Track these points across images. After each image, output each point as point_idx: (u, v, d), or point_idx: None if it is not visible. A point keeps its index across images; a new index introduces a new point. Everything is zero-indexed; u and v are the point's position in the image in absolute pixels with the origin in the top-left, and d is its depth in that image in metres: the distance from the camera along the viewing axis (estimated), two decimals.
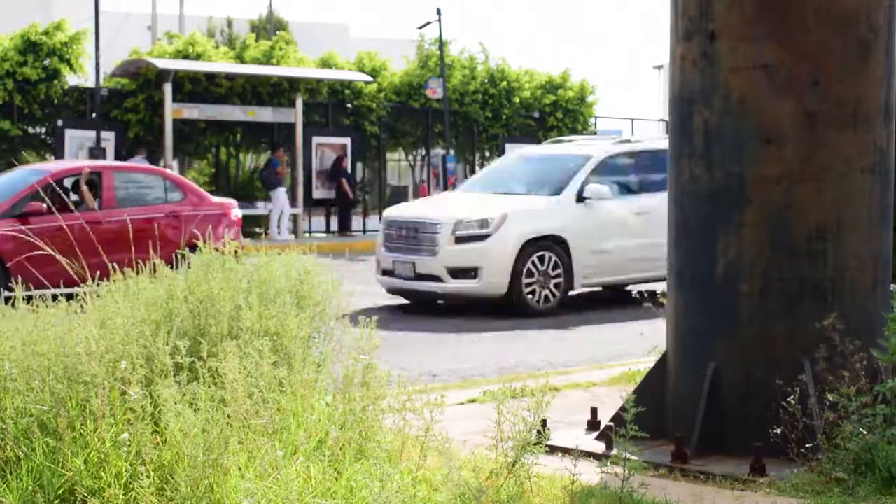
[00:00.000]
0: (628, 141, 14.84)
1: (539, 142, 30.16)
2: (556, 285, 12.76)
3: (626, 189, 13.89)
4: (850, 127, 5.65)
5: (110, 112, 23.57)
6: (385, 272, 13.19)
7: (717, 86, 5.73)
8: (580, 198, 13.15)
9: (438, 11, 28.32)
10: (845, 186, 5.67)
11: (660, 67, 68.72)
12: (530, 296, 12.56)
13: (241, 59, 26.48)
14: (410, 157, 31.83)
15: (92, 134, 22.10)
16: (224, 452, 4.20)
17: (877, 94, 5.73)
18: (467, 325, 11.83)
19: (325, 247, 18.15)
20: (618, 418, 5.63)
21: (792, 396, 5.25)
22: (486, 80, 30.19)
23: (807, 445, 5.22)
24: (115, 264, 6.26)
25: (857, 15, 5.65)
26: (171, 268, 6.29)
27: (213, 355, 5.01)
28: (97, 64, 22.87)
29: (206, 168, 26.56)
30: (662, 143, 14.48)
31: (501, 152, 28.84)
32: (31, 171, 13.96)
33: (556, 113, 31.25)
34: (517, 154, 15.65)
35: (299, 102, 24.96)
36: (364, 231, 26.31)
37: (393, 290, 13.34)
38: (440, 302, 13.15)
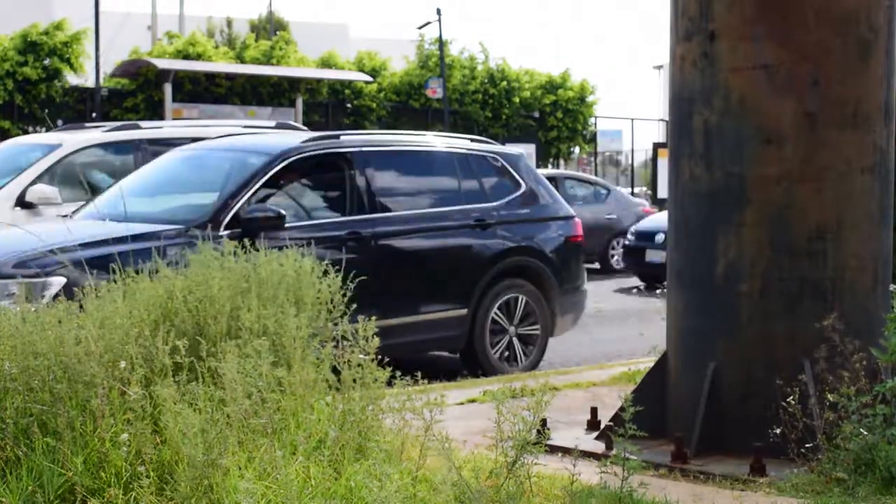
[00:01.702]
0: (135, 126, 10.76)
1: (540, 142, 30.28)
2: None
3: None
4: (850, 127, 5.65)
5: (110, 112, 23.61)
6: None
7: (717, 86, 5.72)
8: (25, 203, 9.71)
9: (438, 11, 28.34)
10: (845, 186, 5.66)
11: (660, 67, 68.78)
12: None
13: (241, 59, 26.51)
14: None
15: None
16: (223, 452, 4.20)
17: (877, 94, 5.73)
18: None
19: None
20: (618, 418, 5.62)
21: (792, 396, 5.24)
22: (486, 80, 30.21)
23: (807, 445, 5.21)
24: None
25: (857, 15, 5.64)
26: None
27: (213, 355, 5.00)
28: (97, 64, 22.92)
29: None
30: (176, 128, 11.44)
31: None
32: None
33: (556, 113, 31.28)
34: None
35: (299, 102, 24.99)
36: None
37: None
38: None
